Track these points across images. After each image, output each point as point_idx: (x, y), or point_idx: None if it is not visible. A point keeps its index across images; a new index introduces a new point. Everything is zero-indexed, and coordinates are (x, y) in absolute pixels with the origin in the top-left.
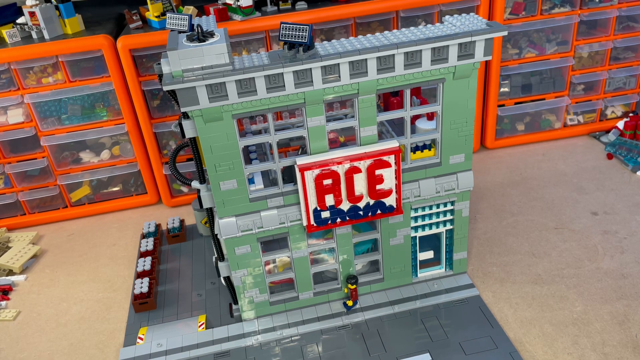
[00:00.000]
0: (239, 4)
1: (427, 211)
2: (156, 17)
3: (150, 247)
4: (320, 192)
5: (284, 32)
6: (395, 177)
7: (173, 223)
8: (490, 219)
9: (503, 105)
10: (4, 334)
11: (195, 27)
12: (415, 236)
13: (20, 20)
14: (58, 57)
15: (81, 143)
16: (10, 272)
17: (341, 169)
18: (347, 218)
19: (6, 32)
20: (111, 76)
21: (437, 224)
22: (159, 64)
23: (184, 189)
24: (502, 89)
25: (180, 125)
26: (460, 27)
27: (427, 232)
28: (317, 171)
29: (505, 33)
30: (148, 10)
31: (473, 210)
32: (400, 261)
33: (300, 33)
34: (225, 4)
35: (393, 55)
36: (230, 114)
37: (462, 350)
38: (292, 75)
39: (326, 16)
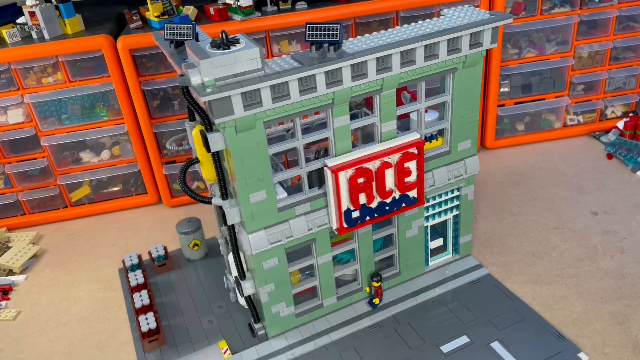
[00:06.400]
0: (239, 4)
1: (438, 199)
2: (156, 17)
3: (140, 280)
4: (354, 191)
5: (310, 32)
6: (418, 169)
7: (157, 251)
8: (490, 219)
9: (503, 105)
10: (4, 334)
11: (220, 34)
12: (427, 226)
13: (20, 20)
14: (58, 57)
15: (81, 143)
16: (10, 272)
17: (373, 166)
18: (376, 215)
19: (6, 32)
20: (111, 76)
21: (446, 211)
22: (182, 75)
23: None
24: (502, 89)
25: (206, 139)
26: (466, 18)
27: (438, 220)
28: (350, 171)
29: (511, 20)
30: (148, 10)
31: (473, 210)
32: (415, 253)
33: (331, 32)
34: (225, 3)
35: (415, 48)
36: (262, 122)
37: (494, 326)
38: (323, 76)
39: (326, 16)
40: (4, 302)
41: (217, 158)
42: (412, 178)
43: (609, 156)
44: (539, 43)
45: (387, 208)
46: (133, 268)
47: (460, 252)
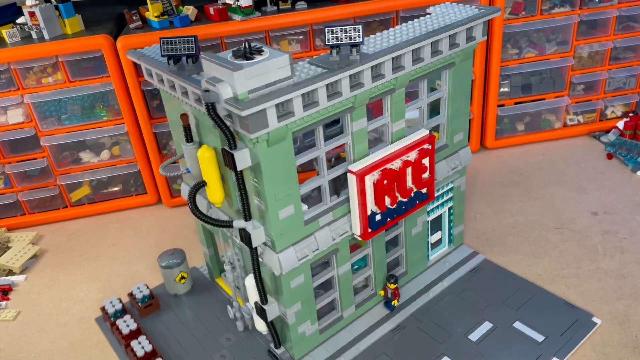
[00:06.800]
0: (238, 3)
1: (436, 193)
2: (156, 17)
3: (133, 325)
4: (380, 193)
5: (331, 35)
6: (430, 164)
7: (141, 292)
8: (490, 219)
9: (503, 105)
10: (4, 334)
11: (243, 43)
12: (428, 221)
13: (20, 20)
14: (58, 57)
15: (81, 143)
16: (10, 272)
17: (395, 166)
18: (395, 216)
19: (6, 32)
20: (111, 76)
21: (443, 204)
22: (207, 90)
23: None
24: (502, 89)
25: (232, 157)
26: (458, 14)
27: (437, 213)
28: (376, 173)
29: (499, 12)
30: (148, 10)
31: (473, 210)
32: (420, 249)
33: (353, 33)
34: (225, 3)
35: (424, 45)
36: (291, 132)
37: (509, 307)
38: (348, 79)
39: (326, 16)
40: (3, 302)
41: (241, 177)
42: (426, 174)
43: (609, 156)
44: (539, 43)
45: (404, 207)
46: (117, 314)
47: (454, 243)
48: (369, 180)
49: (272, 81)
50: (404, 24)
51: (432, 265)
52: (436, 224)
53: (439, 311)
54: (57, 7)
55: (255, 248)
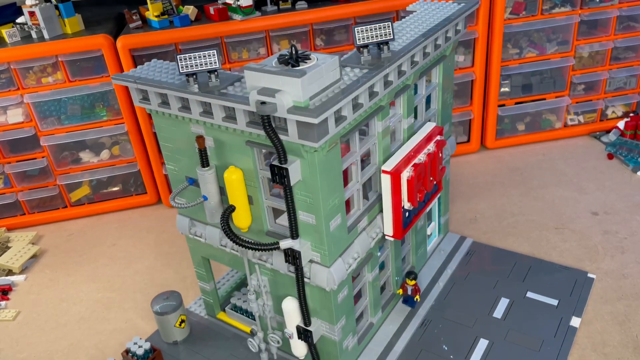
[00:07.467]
0: (238, 3)
1: None
2: (156, 16)
3: None
4: (412, 189)
5: (361, 35)
6: (442, 154)
7: (140, 347)
8: (490, 219)
9: (503, 105)
10: (3, 334)
11: (290, 49)
12: (425, 213)
13: (19, 20)
14: (58, 56)
15: (81, 143)
16: (10, 272)
17: (422, 159)
18: (418, 211)
19: (6, 31)
20: (111, 76)
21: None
22: (264, 103)
23: None
24: (502, 89)
25: (285, 172)
26: (443, 9)
27: (431, 204)
28: (409, 169)
29: (478, 5)
30: (148, 10)
31: (473, 210)
32: (422, 242)
33: (383, 30)
34: (225, 3)
35: (431, 41)
36: (339, 137)
37: (516, 281)
38: (382, 79)
39: (326, 16)
40: (3, 302)
41: (290, 193)
42: (440, 165)
43: (610, 156)
44: (540, 43)
45: (424, 201)
46: None
47: (442, 231)
48: (404, 177)
49: (325, 86)
50: (400, 21)
51: (430, 257)
52: (428, 216)
53: (455, 298)
54: (57, 7)
55: (302, 268)
